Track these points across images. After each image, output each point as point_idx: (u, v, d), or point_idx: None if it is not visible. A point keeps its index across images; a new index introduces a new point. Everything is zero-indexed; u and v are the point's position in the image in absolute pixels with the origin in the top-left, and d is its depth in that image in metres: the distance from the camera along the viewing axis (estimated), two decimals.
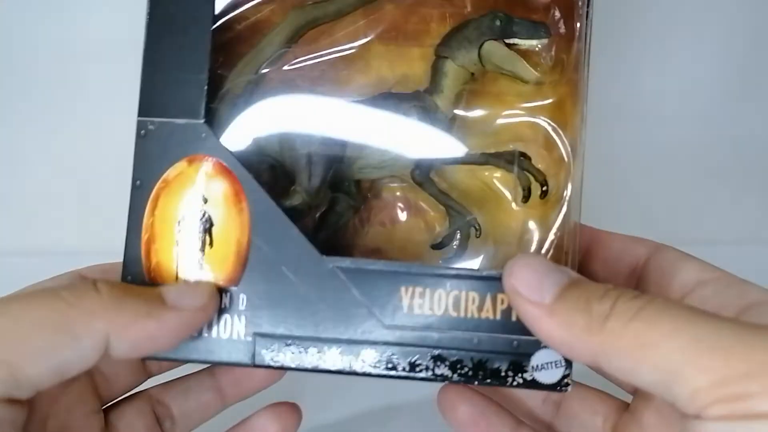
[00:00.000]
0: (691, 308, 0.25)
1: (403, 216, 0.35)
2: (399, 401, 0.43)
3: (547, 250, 0.32)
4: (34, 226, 0.52)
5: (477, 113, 0.33)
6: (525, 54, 0.33)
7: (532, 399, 0.35)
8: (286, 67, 0.33)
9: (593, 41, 0.32)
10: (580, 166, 0.32)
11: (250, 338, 0.30)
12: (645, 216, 0.49)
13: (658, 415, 0.31)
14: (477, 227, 0.34)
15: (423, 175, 0.34)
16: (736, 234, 0.51)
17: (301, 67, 0.33)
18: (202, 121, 0.31)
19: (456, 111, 0.33)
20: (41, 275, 0.32)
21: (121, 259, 0.31)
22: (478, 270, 0.31)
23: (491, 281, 0.30)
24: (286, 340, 0.30)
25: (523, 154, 0.33)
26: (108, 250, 0.34)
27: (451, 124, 0.33)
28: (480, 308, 0.30)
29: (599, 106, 0.32)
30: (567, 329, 0.26)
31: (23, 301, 0.27)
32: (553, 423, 0.35)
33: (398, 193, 0.35)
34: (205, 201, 0.31)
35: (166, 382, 0.36)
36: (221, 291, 0.30)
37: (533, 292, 0.27)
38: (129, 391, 0.35)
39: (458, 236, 0.34)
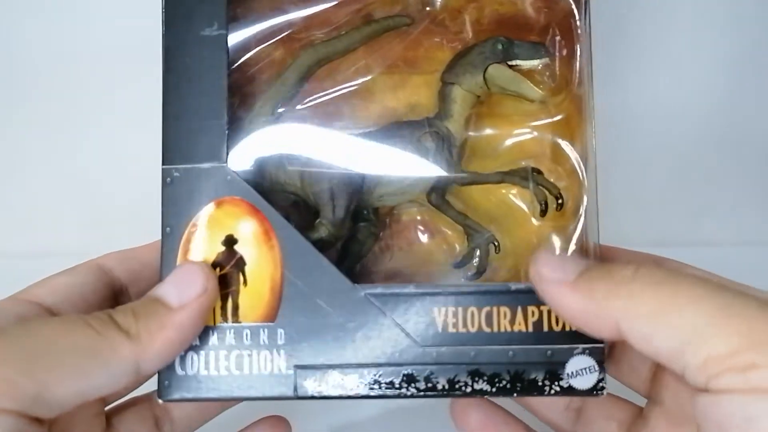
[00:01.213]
0: (717, 281, 0.26)
1: (422, 238, 0.36)
2: (396, 406, 0.44)
3: None
4: (35, 228, 0.53)
5: (487, 135, 0.35)
6: (528, 74, 0.34)
7: (553, 407, 0.36)
8: (299, 106, 0.34)
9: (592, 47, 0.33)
10: (594, 178, 0.33)
11: (291, 371, 0.31)
12: (645, 217, 0.50)
13: (669, 420, 0.32)
14: (496, 243, 0.35)
15: (439, 198, 0.35)
16: (736, 235, 0.52)
17: (314, 104, 0.34)
18: (226, 164, 0.32)
19: (467, 134, 0.35)
20: (41, 275, 0.32)
21: None
22: (507, 284, 0.32)
23: (520, 294, 0.31)
24: (327, 369, 0.31)
25: (535, 170, 0.34)
26: (109, 251, 0.35)
27: (463, 147, 0.34)
28: (512, 322, 0.31)
29: (599, 108, 0.34)
30: (589, 297, 0.27)
31: (56, 326, 0.28)
32: (575, 430, 0.36)
33: (417, 217, 0.36)
34: (236, 241, 0.32)
35: None
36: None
37: (557, 273, 0.28)
38: (131, 392, 0.35)
39: (478, 254, 0.35)
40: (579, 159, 0.34)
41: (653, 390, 0.33)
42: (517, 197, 0.35)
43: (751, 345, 0.23)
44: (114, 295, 0.34)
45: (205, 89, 0.32)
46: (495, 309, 0.31)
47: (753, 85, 0.51)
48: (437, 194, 0.35)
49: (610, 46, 0.38)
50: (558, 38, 0.34)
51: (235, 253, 0.32)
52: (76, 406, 0.28)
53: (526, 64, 0.34)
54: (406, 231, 0.36)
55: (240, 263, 0.32)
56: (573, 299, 0.28)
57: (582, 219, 0.33)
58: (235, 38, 0.34)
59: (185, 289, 0.30)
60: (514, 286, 0.31)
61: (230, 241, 0.32)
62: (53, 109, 0.52)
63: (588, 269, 0.28)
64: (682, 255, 0.33)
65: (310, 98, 0.34)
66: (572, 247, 0.33)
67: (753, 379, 0.23)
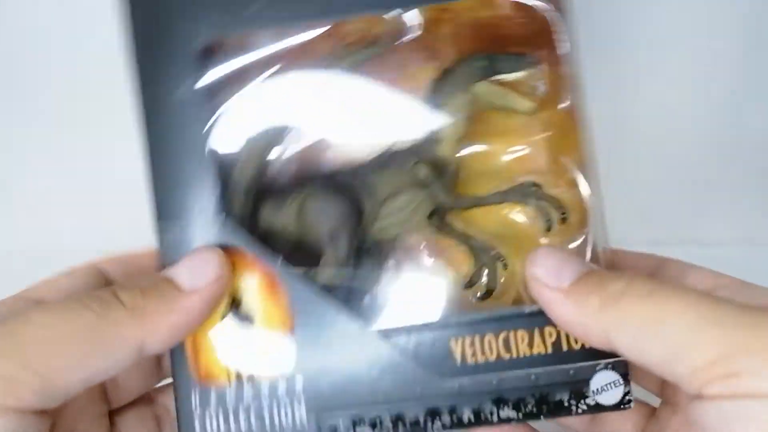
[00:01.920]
0: (703, 293, 0.26)
1: (429, 262, 0.35)
2: None
3: None
4: (35, 227, 0.52)
5: (481, 154, 0.34)
6: (515, 86, 0.33)
7: None
8: (286, 151, 0.33)
9: (589, 50, 0.32)
10: (597, 185, 0.32)
11: (312, 418, 0.31)
12: (645, 217, 0.50)
13: (682, 420, 0.32)
14: (503, 260, 0.34)
15: (440, 222, 0.34)
16: (736, 235, 0.52)
17: (303, 147, 0.33)
18: (223, 214, 0.31)
19: (460, 156, 0.34)
20: (41, 275, 0.32)
21: None
22: (520, 308, 0.31)
23: (535, 316, 0.31)
24: (349, 412, 0.31)
25: (535, 184, 0.33)
26: (107, 250, 0.34)
27: (458, 170, 0.34)
28: (530, 345, 0.31)
29: (598, 108, 0.33)
30: (581, 309, 0.27)
31: (54, 312, 0.27)
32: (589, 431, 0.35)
33: (422, 242, 0.35)
34: (240, 302, 0.31)
35: (168, 384, 0.35)
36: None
37: (552, 278, 0.28)
38: (138, 395, 0.34)
39: (486, 272, 0.34)
40: (578, 168, 0.33)
41: (666, 390, 0.33)
42: (520, 214, 0.34)
43: (729, 354, 0.24)
44: None
45: (189, 146, 0.31)
46: (512, 334, 0.31)
47: (755, 85, 0.50)
48: (438, 218, 0.34)
49: (607, 47, 0.38)
50: (541, 48, 0.33)
51: (242, 313, 0.31)
52: (80, 399, 0.28)
53: (511, 77, 0.33)
54: (412, 256, 0.35)
55: (249, 321, 0.31)
56: (565, 309, 0.28)
57: (589, 228, 0.33)
58: (214, 84, 0.32)
59: (198, 274, 0.29)
60: (528, 309, 0.31)
61: (235, 303, 0.31)
62: (53, 109, 0.51)
63: (582, 277, 0.28)
64: (682, 255, 0.33)
65: (297, 139, 0.33)
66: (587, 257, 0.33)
67: (734, 385, 0.24)
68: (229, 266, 0.30)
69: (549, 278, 0.28)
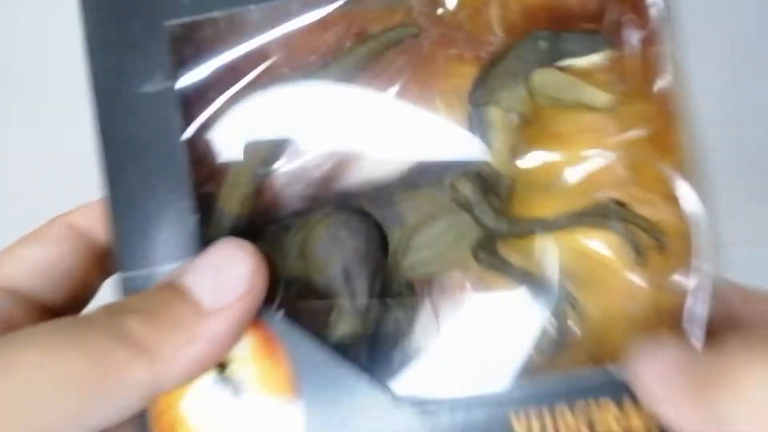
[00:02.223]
0: None
1: (476, 309, 0.27)
2: None
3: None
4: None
5: (544, 164, 0.26)
6: (587, 75, 0.25)
7: None
8: (286, 168, 0.26)
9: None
10: (706, 198, 0.24)
11: None
12: None
13: None
14: (572, 301, 0.26)
15: (490, 256, 0.26)
16: (735, 235, 0.46)
17: (309, 161, 0.26)
18: None
19: (516, 167, 0.26)
20: None
21: None
22: (605, 370, 0.23)
23: (622, 381, 0.23)
24: None
25: (618, 202, 0.25)
26: None
27: (514, 186, 0.26)
28: (616, 419, 0.23)
29: None
30: (688, 403, 0.20)
31: (47, 352, 0.21)
32: None
33: (465, 284, 0.27)
34: (226, 365, 0.23)
35: None
36: None
37: (660, 381, 0.21)
38: None
39: (552, 320, 0.26)
40: (679, 178, 0.25)
41: None
42: (598, 242, 0.26)
43: None
44: (98, 259, 0.27)
45: (158, 164, 0.24)
46: (594, 405, 0.23)
47: (756, 83, 0.47)
48: (486, 251, 0.26)
49: None
50: (625, 22, 0.25)
51: (229, 378, 0.23)
52: None
53: (581, 61, 0.25)
54: (454, 301, 0.27)
55: (238, 393, 0.23)
56: (685, 416, 0.21)
57: (696, 258, 0.24)
58: (188, 88, 0.25)
59: (224, 288, 0.22)
60: (614, 371, 0.23)
61: (220, 365, 0.23)
62: (54, 107, 0.48)
63: (698, 366, 0.21)
64: None
65: (300, 152, 0.26)
66: (687, 302, 0.24)
67: None
68: (264, 266, 0.23)
69: (656, 382, 0.21)
